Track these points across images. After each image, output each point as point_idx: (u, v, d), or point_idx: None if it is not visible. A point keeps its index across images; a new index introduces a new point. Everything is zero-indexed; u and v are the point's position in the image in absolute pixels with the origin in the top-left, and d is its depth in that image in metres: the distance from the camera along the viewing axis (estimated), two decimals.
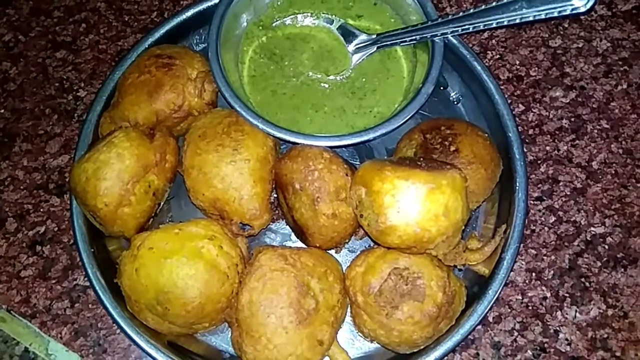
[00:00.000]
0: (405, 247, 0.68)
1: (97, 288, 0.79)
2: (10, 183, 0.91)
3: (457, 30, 0.83)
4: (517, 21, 0.79)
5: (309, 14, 0.96)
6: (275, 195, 0.85)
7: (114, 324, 0.82)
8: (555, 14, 0.76)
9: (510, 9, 0.79)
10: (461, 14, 0.83)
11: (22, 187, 0.91)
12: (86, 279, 0.83)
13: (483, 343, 0.82)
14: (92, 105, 0.88)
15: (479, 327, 0.82)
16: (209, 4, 0.95)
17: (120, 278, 0.74)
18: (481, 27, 0.82)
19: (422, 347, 0.75)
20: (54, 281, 0.85)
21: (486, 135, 0.83)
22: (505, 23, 0.80)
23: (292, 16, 0.96)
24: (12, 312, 0.83)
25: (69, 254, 0.87)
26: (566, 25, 1.00)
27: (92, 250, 0.81)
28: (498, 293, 0.78)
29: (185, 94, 0.83)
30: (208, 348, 0.81)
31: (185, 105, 0.83)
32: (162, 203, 0.81)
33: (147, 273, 0.71)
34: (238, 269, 0.74)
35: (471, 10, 0.83)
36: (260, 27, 0.95)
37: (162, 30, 0.94)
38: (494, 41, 1.00)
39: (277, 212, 0.87)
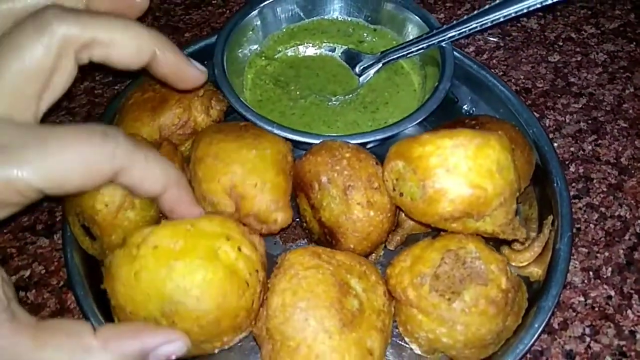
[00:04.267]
0: (459, 216, 0.59)
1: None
2: None
3: (465, 32, 0.83)
4: (525, 11, 0.80)
5: (311, 44, 0.96)
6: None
7: None
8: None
9: (514, 1, 0.80)
10: (465, 17, 0.84)
11: (5, 231, 0.80)
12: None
13: (554, 353, 0.70)
14: None
15: (546, 335, 0.71)
16: (209, 41, 0.94)
17: (111, 283, 0.59)
18: (489, 24, 0.82)
19: (489, 353, 0.63)
20: None
21: (513, 123, 0.79)
22: (513, 15, 0.80)
23: (293, 47, 0.96)
24: None
25: (58, 297, 0.74)
26: (561, 44, 1.02)
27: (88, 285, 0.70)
28: (563, 285, 0.68)
29: (191, 110, 0.78)
30: None
31: (191, 120, 0.78)
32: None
33: (150, 278, 0.57)
34: (259, 277, 0.62)
35: (475, 12, 0.83)
36: (263, 57, 0.93)
37: None
38: (494, 61, 1.00)
39: (296, 231, 0.79)
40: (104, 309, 0.68)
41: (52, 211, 0.82)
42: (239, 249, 0.61)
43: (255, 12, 0.89)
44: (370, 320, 0.61)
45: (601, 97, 0.95)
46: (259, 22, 0.91)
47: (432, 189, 0.58)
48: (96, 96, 0.96)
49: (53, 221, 0.81)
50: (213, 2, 1.11)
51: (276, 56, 0.94)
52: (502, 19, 0.81)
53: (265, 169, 0.69)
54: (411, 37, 0.91)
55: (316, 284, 0.60)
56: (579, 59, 1.00)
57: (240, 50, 0.90)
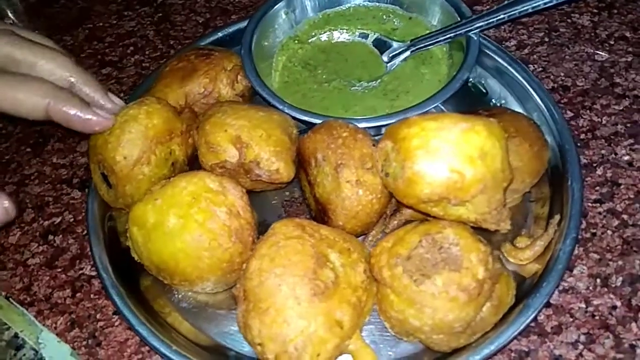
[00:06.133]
0: (437, 199, 0.59)
1: (101, 271, 0.73)
2: (36, 177, 0.90)
3: (493, 22, 0.81)
4: (553, 3, 0.77)
5: (345, 30, 0.97)
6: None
7: (114, 315, 0.74)
8: None
9: None
10: (495, 7, 0.82)
11: (46, 182, 0.90)
12: (93, 268, 0.78)
13: (541, 356, 0.67)
14: (131, 95, 0.89)
15: (535, 337, 0.68)
16: (241, 25, 0.97)
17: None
18: (516, 15, 0.80)
19: (462, 344, 0.63)
20: (59, 270, 0.79)
21: (529, 118, 0.77)
22: (541, 6, 0.78)
23: (327, 32, 0.98)
24: (10, 299, 0.77)
25: (80, 244, 0.82)
26: (612, 42, 0.96)
27: (103, 236, 0.77)
28: (555, 286, 0.66)
29: (217, 81, 0.83)
30: (213, 342, 0.70)
31: (215, 91, 0.83)
32: None
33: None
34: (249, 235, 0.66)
35: (505, 2, 0.81)
36: (297, 41, 0.96)
37: (203, 42, 0.97)
38: (535, 56, 0.96)
39: (301, 207, 0.81)
40: (116, 258, 0.75)
41: (88, 167, 0.90)
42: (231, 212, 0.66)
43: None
44: (344, 294, 0.62)
45: None
46: (292, 7, 0.94)
47: (410, 170, 0.58)
48: (143, 68, 1.04)
49: (88, 176, 0.89)
50: None
51: (310, 40, 0.97)
52: (530, 10, 0.78)
53: (271, 127, 0.72)
54: (437, 22, 0.90)
55: (294, 253, 0.62)
56: (629, 59, 0.94)
57: (272, 33, 0.93)
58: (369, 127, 0.76)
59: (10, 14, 1.18)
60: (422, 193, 0.59)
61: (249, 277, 0.63)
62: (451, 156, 0.57)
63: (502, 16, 0.80)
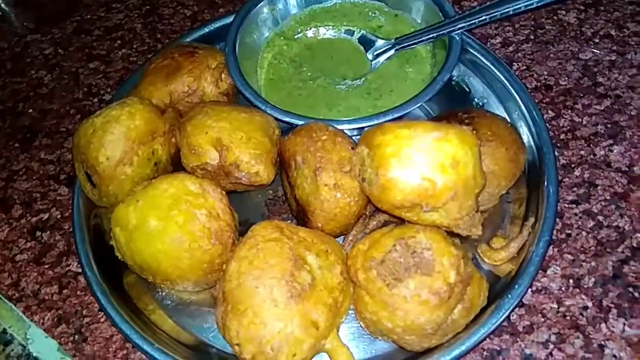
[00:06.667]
0: (409, 206, 0.60)
1: (86, 269, 0.75)
2: (24, 173, 0.92)
3: (475, 23, 0.82)
4: (534, 6, 0.77)
5: (330, 27, 0.98)
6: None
7: (100, 311, 0.76)
8: None
9: None
10: (477, 7, 0.82)
11: (34, 178, 0.91)
12: (79, 265, 0.79)
13: (512, 355, 0.69)
14: (117, 92, 0.91)
15: (507, 336, 0.70)
16: (226, 21, 0.97)
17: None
18: (498, 16, 0.80)
19: (433, 344, 0.65)
20: (47, 266, 0.81)
21: (508, 121, 0.78)
22: (522, 9, 0.78)
23: (314, 28, 0.98)
24: None
25: (67, 241, 0.83)
26: (597, 40, 0.97)
27: (88, 233, 0.79)
28: (527, 287, 0.68)
29: (201, 80, 0.84)
30: (196, 339, 0.73)
31: (199, 90, 0.83)
32: None
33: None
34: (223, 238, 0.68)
35: (487, 3, 0.81)
36: (282, 37, 0.96)
37: (189, 39, 0.98)
38: (519, 54, 0.97)
39: (284, 205, 0.83)
40: (101, 254, 0.77)
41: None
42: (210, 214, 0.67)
43: None
44: (321, 296, 0.64)
45: (628, 100, 0.89)
46: (276, 3, 0.94)
47: (384, 178, 0.60)
48: (131, 63, 1.04)
49: (74, 173, 0.89)
50: None
51: (296, 36, 0.97)
52: (511, 12, 0.78)
53: (252, 129, 0.73)
54: (421, 20, 0.90)
55: (272, 256, 0.64)
56: (613, 58, 0.94)
57: (256, 30, 0.93)
58: (350, 129, 0.77)
59: (2, 3, 1.18)
60: (395, 199, 0.60)
61: (228, 279, 0.64)
62: (423, 164, 0.58)
63: (484, 17, 0.81)
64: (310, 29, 0.98)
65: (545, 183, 0.75)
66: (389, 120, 0.77)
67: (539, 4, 0.76)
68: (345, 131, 0.76)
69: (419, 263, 0.61)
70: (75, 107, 0.99)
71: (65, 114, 0.98)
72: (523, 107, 0.83)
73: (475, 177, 0.60)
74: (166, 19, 1.10)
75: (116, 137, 0.72)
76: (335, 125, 0.75)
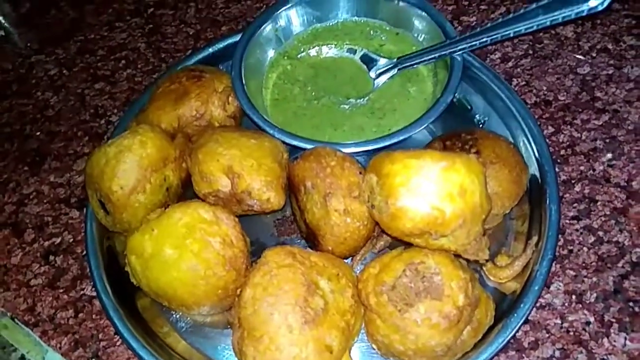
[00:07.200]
0: (419, 233, 0.62)
1: (101, 294, 0.77)
2: (35, 197, 0.93)
3: (476, 44, 0.83)
4: (534, 28, 0.79)
5: (333, 46, 0.99)
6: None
7: (116, 335, 0.78)
8: (573, 16, 0.75)
9: (527, 17, 0.79)
10: (478, 29, 0.84)
11: (45, 201, 0.92)
12: (93, 288, 0.81)
13: None
14: (125, 114, 0.92)
15: (513, 353, 0.73)
16: (237, 38, 0.99)
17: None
18: (499, 38, 0.82)
19: None
20: (61, 290, 0.83)
21: (510, 141, 0.80)
22: (523, 31, 0.80)
23: (316, 47, 0.99)
24: (15, 319, 0.81)
25: (80, 264, 0.85)
26: (594, 55, 0.99)
27: (102, 257, 0.80)
28: (532, 306, 0.70)
29: (208, 104, 0.85)
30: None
31: (207, 114, 0.85)
32: (169, 205, 0.79)
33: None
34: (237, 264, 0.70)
35: (488, 25, 0.83)
36: (286, 57, 0.98)
37: (193, 60, 0.99)
38: (519, 69, 0.99)
39: (292, 226, 0.84)
40: (115, 277, 0.79)
41: (85, 186, 0.92)
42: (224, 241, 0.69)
43: (276, 15, 0.94)
44: (333, 320, 0.66)
45: (626, 114, 0.91)
46: (279, 24, 0.95)
47: (394, 207, 0.62)
48: (136, 83, 1.06)
49: (85, 196, 0.91)
50: None
51: (299, 56, 0.99)
52: (512, 35, 0.80)
53: (262, 155, 0.75)
54: (431, 42, 0.92)
55: (286, 282, 0.66)
56: (610, 72, 0.96)
57: (261, 51, 0.95)
58: (356, 152, 0.78)
59: (5, 23, 1.19)
60: (405, 227, 0.62)
61: (244, 305, 0.66)
62: (432, 194, 0.60)
63: (485, 39, 0.82)
64: (313, 48, 0.99)
65: (548, 202, 0.77)
66: (395, 144, 0.79)
67: (539, 27, 0.78)
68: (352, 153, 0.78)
69: (429, 288, 0.63)
70: (82, 129, 1.00)
71: (73, 136, 0.99)
72: (524, 125, 0.85)
73: (482, 204, 0.62)
74: (169, 38, 1.12)
75: (129, 167, 0.73)
76: (342, 149, 0.77)
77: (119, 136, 0.76)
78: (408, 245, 0.70)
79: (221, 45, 1.00)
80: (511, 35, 0.80)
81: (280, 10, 0.95)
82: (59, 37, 1.14)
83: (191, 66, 0.93)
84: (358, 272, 0.73)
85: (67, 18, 1.18)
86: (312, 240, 0.76)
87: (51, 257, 0.86)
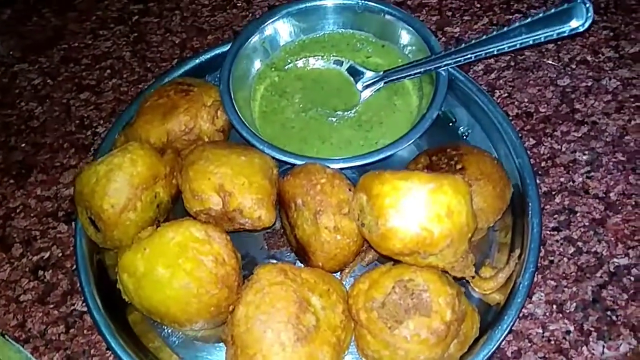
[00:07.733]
0: (408, 253, 0.64)
1: (93, 311, 0.77)
2: (21, 211, 0.93)
3: (460, 60, 0.85)
4: (517, 46, 0.81)
5: (320, 57, 1.00)
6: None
7: (107, 350, 0.79)
8: (555, 36, 0.78)
9: (510, 35, 0.81)
10: (463, 45, 0.86)
11: (32, 215, 0.92)
12: (84, 304, 0.81)
13: None
14: (112, 127, 0.92)
15: None
16: (224, 49, 1.00)
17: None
18: (483, 55, 0.84)
19: None
20: (51, 306, 0.83)
21: (494, 156, 0.82)
22: (506, 49, 0.82)
23: (303, 59, 1.00)
24: (6, 335, 0.81)
25: (70, 279, 0.85)
26: (573, 67, 1.02)
27: (92, 273, 0.81)
28: (515, 318, 0.73)
29: (197, 118, 0.86)
30: None
31: (196, 128, 0.85)
32: (160, 221, 0.80)
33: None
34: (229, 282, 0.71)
35: (472, 41, 0.85)
36: (273, 69, 0.99)
37: (180, 71, 0.99)
38: (501, 81, 1.01)
39: (282, 239, 0.86)
40: (105, 291, 0.79)
41: (73, 200, 0.92)
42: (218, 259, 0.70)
43: (262, 27, 0.95)
44: (325, 336, 0.68)
45: (604, 126, 0.94)
46: (266, 36, 0.96)
47: (384, 227, 0.64)
48: (122, 93, 1.05)
49: (73, 209, 0.91)
50: (237, 4, 1.16)
51: (286, 67, 1.00)
52: (495, 52, 0.82)
53: (252, 172, 0.76)
54: (416, 55, 0.94)
55: (278, 300, 0.68)
56: (589, 84, 0.99)
57: (249, 63, 0.96)
58: (344, 168, 0.80)
59: None
60: (394, 247, 0.64)
61: (237, 323, 0.68)
62: (420, 215, 0.62)
63: (469, 55, 0.84)
64: (300, 59, 1.00)
65: (530, 215, 0.80)
66: (382, 159, 0.81)
67: (522, 45, 0.80)
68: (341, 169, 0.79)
69: (418, 304, 0.65)
70: (68, 140, 1.00)
71: (59, 148, 0.99)
72: (506, 138, 0.88)
73: (469, 223, 0.65)
74: (155, 47, 1.11)
75: (120, 185, 0.74)
76: (331, 165, 0.79)
77: (109, 154, 0.76)
78: (397, 261, 0.72)
79: (208, 56, 1.01)
80: (495, 52, 0.83)
81: (267, 22, 0.96)
82: (41, 45, 1.13)
83: (179, 79, 0.93)
84: (347, 285, 0.75)
85: (50, 25, 1.17)
86: (302, 255, 0.78)
87: (40, 272, 0.86)
